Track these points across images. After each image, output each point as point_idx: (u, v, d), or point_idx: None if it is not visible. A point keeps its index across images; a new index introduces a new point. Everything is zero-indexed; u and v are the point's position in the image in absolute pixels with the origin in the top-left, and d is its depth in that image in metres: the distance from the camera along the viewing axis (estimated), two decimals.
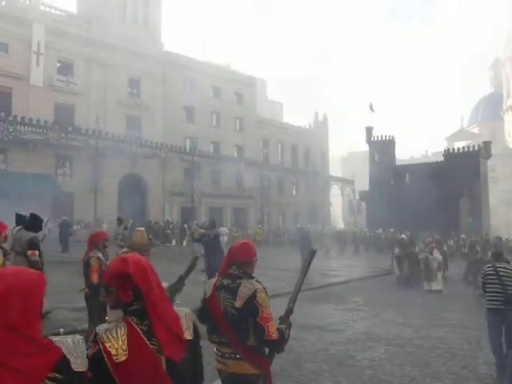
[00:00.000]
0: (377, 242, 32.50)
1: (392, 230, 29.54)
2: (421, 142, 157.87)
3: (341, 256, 27.20)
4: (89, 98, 32.42)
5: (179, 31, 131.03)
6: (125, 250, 4.42)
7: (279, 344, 2.78)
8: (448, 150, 46.39)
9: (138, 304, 1.82)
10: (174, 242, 28.98)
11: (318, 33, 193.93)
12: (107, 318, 4.43)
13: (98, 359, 1.67)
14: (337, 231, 37.53)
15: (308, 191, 49.07)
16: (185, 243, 28.27)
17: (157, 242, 24.70)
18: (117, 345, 1.71)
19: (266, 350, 2.86)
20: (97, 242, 6.00)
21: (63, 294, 9.56)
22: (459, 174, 40.29)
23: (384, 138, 48.24)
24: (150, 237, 4.56)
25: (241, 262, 2.91)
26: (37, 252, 7.63)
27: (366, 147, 51.90)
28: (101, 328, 1.78)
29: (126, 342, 1.72)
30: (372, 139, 48.61)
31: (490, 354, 6.61)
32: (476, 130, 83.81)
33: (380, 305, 11.33)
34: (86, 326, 6.17)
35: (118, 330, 1.75)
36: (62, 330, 1.61)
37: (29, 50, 29.86)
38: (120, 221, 14.75)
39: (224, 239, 16.07)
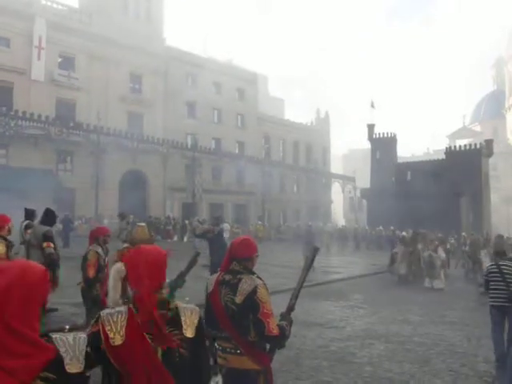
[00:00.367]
0: (378, 239, 32.50)
1: (392, 227, 29.51)
2: (422, 140, 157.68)
3: (341, 253, 27.22)
4: (90, 93, 32.39)
5: (181, 26, 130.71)
6: (126, 245, 4.42)
7: (280, 340, 2.78)
8: (450, 147, 46.27)
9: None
10: (175, 238, 29.01)
11: (321, 29, 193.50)
12: (109, 304, 4.43)
13: (97, 339, 1.76)
14: (338, 228, 37.51)
15: (309, 188, 49.04)
16: (186, 239, 28.34)
17: (158, 237, 24.73)
18: (115, 329, 1.79)
19: (267, 346, 2.86)
20: (98, 237, 6.02)
21: (64, 289, 9.58)
22: (461, 171, 40.18)
23: (386, 135, 48.11)
24: (151, 232, 4.55)
25: (241, 257, 2.91)
26: (52, 244, 7.89)
27: (367, 144, 51.83)
28: (104, 311, 1.88)
29: (124, 328, 1.80)
30: (374, 136, 48.50)
31: (489, 351, 6.63)
32: (478, 128, 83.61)
33: (380, 302, 11.33)
34: (86, 321, 6.17)
35: (119, 316, 1.83)
36: (67, 327, 1.63)
37: (30, 44, 29.83)
38: (122, 216, 14.77)
39: (227, 235, 16.10)
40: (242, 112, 44.12)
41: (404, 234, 19.14)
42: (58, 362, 1.47)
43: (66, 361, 1.48)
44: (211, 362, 2.37)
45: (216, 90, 41.78)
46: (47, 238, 7.73)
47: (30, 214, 9.15)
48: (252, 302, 2.72)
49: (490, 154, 44.43)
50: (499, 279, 6.27)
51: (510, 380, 5.17)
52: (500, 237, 14.43)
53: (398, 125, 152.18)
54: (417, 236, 16.99)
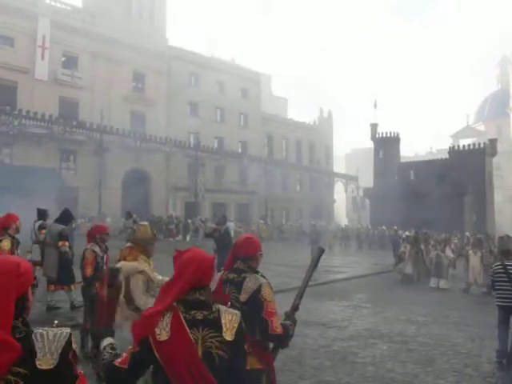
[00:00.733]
0: (380, 239, 32.44)
1: (395, 227, 29.49)
2: (426, 139, 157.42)
3: (344, 253, 27.19)
4: (93, 93, 32.44)
5: (184, 26, 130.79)
6: (129, 244, 4.41)
7: (283, 339, 2.77)
8: (453, 147, 46.19)
9: (189, 294, 2.05)
10: (180, 237, 29.02)
11: (324, 28, 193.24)
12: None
13: (147, 336, 1.96)
14: (340, 228, 37.48)
15: (312, 187, 48.98)
16: (188, 238, 28.38)
17: (160, 236, 24.77)
18: (161, 326, 1.95)
19: (270, 346, 2.85)
20: (95, 235, 6.01)
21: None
22: (464, 171, 40.09)
23: (389, 134, 48.04)
24: (154, 231, 4.55)
25: (245, 256, 2.91)
26: (67, 243, 7.99)
27: (369, 144, 51.76)
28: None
29: (169, 325, 1.95)
30: (377, 136, 48.44)
31: (493, 352, 6.61)
32: (482, 128, 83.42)
33: (383, 302, 11.31)
34: (84, 319, 6.18)
35: (165, 314, 1.98)
36: (56, 322, 1.62)
37: (34, 44, 29.89)
38: (129, 214, 14.87)
39: (232, 234, 16.18)
40: (245, 111, 44.10)
41: (407, 233, 19.10)
42: (30, 357, 1.46)
43: (38, 356, 1.47)
44: None
45: (219, 89, 41.77)
46: (62, 236, 7.85)
47: (42, 214, 9.25)
48: (256, 301, 2.72)
49: (493, 153, 44.30)
50: (505, 279, 6.25)
51: None
52: (508, 237, 14.43)
53: (401, 124, 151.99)
54: (419, 236, 16.96)
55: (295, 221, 42.59)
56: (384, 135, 48.10)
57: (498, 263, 6.52)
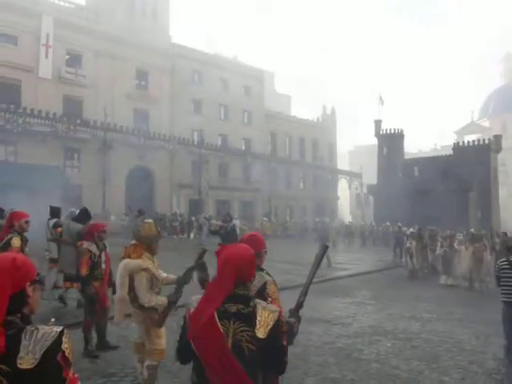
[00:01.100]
0: (384, 235, 32.36)
1: (399, 224, 29.39)
2: (430, 136, 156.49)
3: (348, 249, 27.15)
4: (97, 90, 32.50)
5: (187, 23, 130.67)
6: (133, 241, 4.42)
7: (288, 337, 2.77)
8: (457, 143, 45.98)
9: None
10: (186, 235, 29.05)
11: (327, 25, 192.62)
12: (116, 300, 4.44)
13: (185, 326, 2.10)
14: (344, 225, 37.43)
15: (316, 184, 48.93)
16: (192, 235, 28.42)
17: (164, 234, 24.82)
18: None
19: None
20: (93, 233, 6.00)
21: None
22: (469, 167, 39.93)
23: (393, 131, 47.89)
24: (159, 229, 4.54)
25: None
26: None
27: (373, 141, 51.60)
28: (191, 301, 2.15)
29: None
30: (381, 132, 48.29)
31: (498, 349, 6.59)
32: (486, 124, 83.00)
33: (387, 299, 11.29)
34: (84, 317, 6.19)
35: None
36: (53, 320, 1.64)
37: (38, 42, 29.96)
38: (140, 212, 14.90)
39: (237, 232, 16.24)
40: (249, 109, 44.06)
41: (412, 230, 19.06)
42: (12, 355, 1.45)
43: (20, 355, 1.45)
44: None
45: (222, 86, 41.73)
46: (81, 236, 7.87)
47: (55, 212, 9.33)
48: (261, 298, 2.71)
49: (498, 149, 44.10)
50: (510, 275, 6.22)
51: None
52: (505, 234, 14.42)
53: (405, 121, 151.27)
54: (422, 232, 16.92)
55: (299, 218, 42.56)
56: (388, 132, 47.95)
57: (504, 259, 6.48)
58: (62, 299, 8.41)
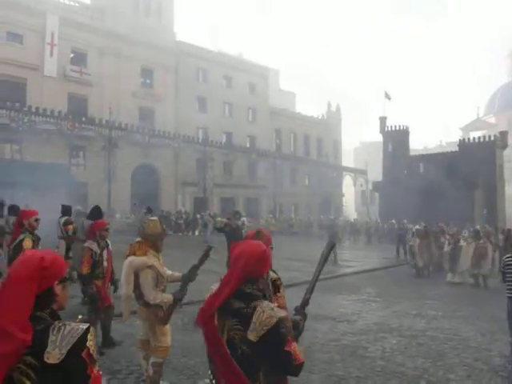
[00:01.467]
0: (390, 232, 32.26)
1: (405, 221, 29.30)
2: (435, 132, 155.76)
3: (353, 247, 27.12)
4: (102, 88, 32.55)
5: (191, 21, 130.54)
6: (138, 239, 4.43)
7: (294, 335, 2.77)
8: (463, 140, 45.70)
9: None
10: (190, 233, 29.07)
11: (332, 22, 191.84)
12: (122, 298, 4.45)
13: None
14: (350, 222, 37.36)
15: (320, 181, 48.83)
16: (197, 233, 28.47)
17: (170, 231, 24.88)
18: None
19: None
20: (95, 232, 6.00)
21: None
22: (474, 164, 39.68)
23: (398, 127, 47.67)
24: (164, 226, 4.55)
25: None
26: None
27: (378, 138, 51.38)
28: (211, 289, 2.21)
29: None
30: (386, 129, 48.09)
31: (504, 346, 6.56)
32: (492, 120, 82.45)
33: (393, 296, 11.27)
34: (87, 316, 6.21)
35: None
36: (80, 317, 1.70)
37: (43, 40, 30.05)
38: (149, 210, 14.95)
39: (245, 229, 16.17)
40: (253, 106, 44.02)
41: (417, 227, 18.99)
42: (42, 349, 1.49)
43: (48, 350, 1.49)
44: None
45: (227, 84, 41.72)
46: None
47: (67, 211, 9.48)
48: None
49: (504, 145, 43.80)
50: None
51: None
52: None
53: (411, 117, 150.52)
54: (428, 229, 16.85)
55: (304, 215, 42.52)
56: (393, 128, 47.74)
57: (509, 255, 6.47)
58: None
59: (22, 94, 29.02)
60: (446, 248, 14.83)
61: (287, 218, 39.22)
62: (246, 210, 39.57)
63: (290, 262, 15.66)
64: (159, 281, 4.23)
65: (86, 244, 5.88)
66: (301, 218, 39.68)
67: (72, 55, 32.19)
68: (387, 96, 47.08)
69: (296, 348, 2.08)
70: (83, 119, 29.82)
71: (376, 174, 50.18)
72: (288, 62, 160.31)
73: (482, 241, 13.57)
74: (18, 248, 5.39)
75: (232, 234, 10.26)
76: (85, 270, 5.71)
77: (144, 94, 35.48)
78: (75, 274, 8.33)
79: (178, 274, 4.41)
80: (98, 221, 6.48)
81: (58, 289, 1.65)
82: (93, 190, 29.78)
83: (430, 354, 6.49)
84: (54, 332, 1.53)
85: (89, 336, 1.57)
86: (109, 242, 6.28)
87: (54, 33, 30.39)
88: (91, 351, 1.56)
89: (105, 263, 6.03)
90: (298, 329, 2.75)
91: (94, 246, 5.87)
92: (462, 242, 14.32)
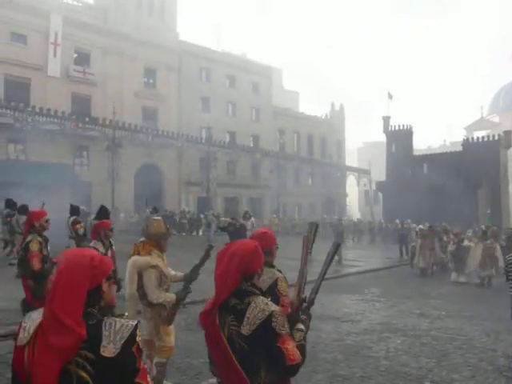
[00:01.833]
0: (393, 232, 32.20)
1: (409, 220, 29.24)
2: (439, 132, 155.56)
3: (357, 246, 27.08)
4: (105, 88, 32.64)
5: (194, 19, 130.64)
6: (142, 239, 4.43)
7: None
8: (467, 139, 45.55)
9: None
10: (194, 232, 29.08)
11: (336, 21, 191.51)
12: (126, 297, 4.46)
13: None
14: (353, 222, 37.32)
15: (324, 181, 48.80)
16: (200, 233, 28.50)
17: (173, 231, 24.91)
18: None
19: None
20: (100, 231, 6.00)
21: None
22: (478, 164, 39.56)
23: (401, 127, 47.55)
24: (168, 226, 4.55)
25: (261, 249, 2.90)
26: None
27: (381, 137, 51.28)
28: None
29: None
30: (389, 129, 47.98)
31: (508, 346, 6.54)
32: (496, 119, 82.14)
33: (396, 296, 11.25)
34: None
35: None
36: (126, 314, 1.80)
37: (46, 41, 30.16)
38: (155, 209, 15.00)
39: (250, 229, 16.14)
40: (257, 105, 44.02)
41: (421, 226, 18.94)
42: (95, 343, 1.58)
43: (103, 343, 1.59)
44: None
45: (230, 83, 41.74)
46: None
47: (75, 210, 9.53)
48: (272, 295, 2.71)
49: (508, 145, 43.63)
50: None
51: None
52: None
53: (414, 117, 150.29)
54: (433, 229, 16.79)
55: (307, 215, 42.49)
56: (396, 128, 47.62)
57: None
58: None
59: (26, 94, 29.15)
60: (450, 247, 14.79)
61: (291, 218, 39.20)
62: (249, 209, 39.58)
63: (295, 262, 15.62)
64: (163, 280, 4.23)
65: (91, 244, 5.88)
66: (304, 218, 39.64)
67: (75, 55, 32.33)
68: (390, 96, 47.01)
69: (292, 347, 2.03)
70: (87, 119, 29.92)
71: (379, 173, 50.09)
72: (291, 62, 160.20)
73: (489, 241, 13.49)
74: (26, 250, 5.40)
75: (235, 233, 10.28)
76: None
77: (147, 94, 35.54)
78: None
79: (180, 274, 4.42)
80: (102, 220, 6.47)
81: (105, 286, 1.76)
82: (97, 189, 29.86)
83: (434, 353, 6.46)
84: (107, 327, 1.62)
85: (137, 332, 1.67)
86: (112, 241, 6.29)
87: (57, 33, 30.49)
88: (140, 346, 1.67)
89: None
90: (305, 327, 2.75)
91: (100, 246, 5.87)
92: (466, 242, 14.25)
